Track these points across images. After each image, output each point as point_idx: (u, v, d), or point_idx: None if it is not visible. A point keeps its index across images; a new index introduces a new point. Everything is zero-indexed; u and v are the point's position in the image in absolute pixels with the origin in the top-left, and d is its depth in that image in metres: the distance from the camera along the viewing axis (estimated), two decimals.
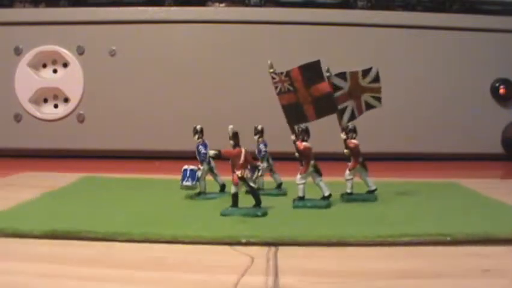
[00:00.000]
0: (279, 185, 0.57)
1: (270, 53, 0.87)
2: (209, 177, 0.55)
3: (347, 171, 0.51)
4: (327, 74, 0.50)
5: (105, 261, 0.34)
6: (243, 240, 0.36)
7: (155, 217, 0.44)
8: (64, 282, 0.30)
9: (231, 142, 0.45)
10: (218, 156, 0.46)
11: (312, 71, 0.48)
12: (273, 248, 0.36)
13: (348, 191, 0.52)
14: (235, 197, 0.45)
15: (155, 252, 0.35)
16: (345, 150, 0.51)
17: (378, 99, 0.53)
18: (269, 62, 0.48)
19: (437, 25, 0.93)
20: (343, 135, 0.51)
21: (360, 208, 0.48)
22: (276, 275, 0.30)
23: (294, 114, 0.49)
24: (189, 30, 0.91)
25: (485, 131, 0.94)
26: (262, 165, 0.53)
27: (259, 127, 0.55)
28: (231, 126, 0.45)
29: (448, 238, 0.36)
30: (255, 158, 0.52)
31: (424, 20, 0.93)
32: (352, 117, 0.52)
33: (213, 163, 0.54)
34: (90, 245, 0.37)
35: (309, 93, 0.48)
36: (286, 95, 0.48)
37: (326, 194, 0.49)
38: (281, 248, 0.36)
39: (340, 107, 0.51)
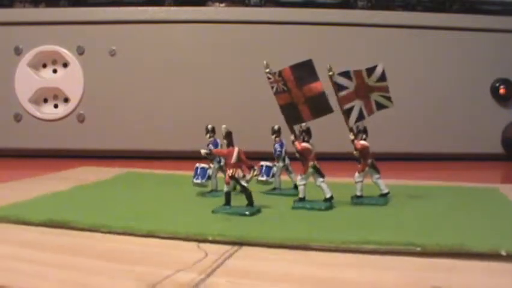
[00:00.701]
0: (296, 185, 0.54)
1: (270, 53, 0.87)
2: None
3: (356, 173, 0.50)
4: (330, 73, 0.50)
5: (72, 250, 0.36)
6: (210, 238, 0.37)
7: (150, 212, 0.46)
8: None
9: (224, 141, 0.46)
10: (209, 155, 0.49)
11: (304, 71, 0.47)
12: (235, 247, 0.36)
13: (358, 193, 0.50)
14: (227, 195, 0.46)
15: (119, 243, 0.37)
16: (355, 152, 0.50)
17: (388, 98, 0.51)
18: (265, 62, 0.48)
19: (437, 25, 0.93)
20: (351, 136, 0.50)
21: (361, 212, 0.46)
22: (209, 274, 0.30)
23: (291, 114, 0.48)
24: (189, 30, 0.92)
25: (485, 131, 0.94)
26: (278, 164, 0.54)
27: (276, 127, 0.54)
28: (223, 126, 0.46)
29: (418, 249, 0.33)
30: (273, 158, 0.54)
31: (424, 20, 0.93)
32: (360, 117, 0.50)
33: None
34: (72, 234, 0.40)
35: (302, 93, 0.47)
36: (282, 95, 0.48)
37: (327, 196, 0.47)
38: (244, 248, 0.36)
39: (346, 106, 0.50)
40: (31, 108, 0.91)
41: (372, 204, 0.48)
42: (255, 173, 0.46)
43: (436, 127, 0.94)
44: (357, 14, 0.93)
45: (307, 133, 0.47)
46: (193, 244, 0.37)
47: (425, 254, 0.33)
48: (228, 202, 0.46)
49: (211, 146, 0.53)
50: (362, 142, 0.49)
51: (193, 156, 0.87)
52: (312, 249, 0.35)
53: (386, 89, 0.51)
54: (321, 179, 0.48)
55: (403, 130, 0.93)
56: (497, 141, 0.94)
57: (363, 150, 0.49)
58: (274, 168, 0.54)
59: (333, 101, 0.48)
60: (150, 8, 0.91)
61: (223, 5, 0.94)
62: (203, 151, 0.48)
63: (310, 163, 0.47)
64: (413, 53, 0.93)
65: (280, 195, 0.54)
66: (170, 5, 0.93)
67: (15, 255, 0.34)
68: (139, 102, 0.92)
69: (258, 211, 0.45)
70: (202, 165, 0.53)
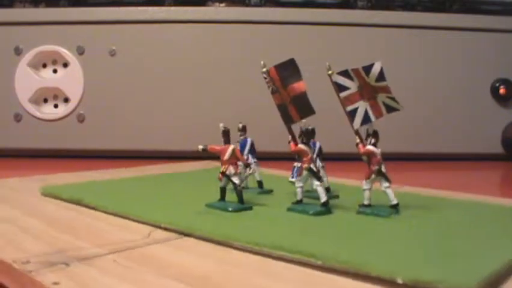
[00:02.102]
0: (327, 189, 0.52)
1: (270, 53, 0.87)
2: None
3: (364, 180, 0.46)
4: (329, 72, 0.49)
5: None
6: (162, 225, 0.40)
7: (150, 201, 0.49)
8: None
9: (223, 139, 0.47)
10: (205, 151, 0.49)
11: (287, 70, 0.47)
12: (175, 235, 0.38)
13: (365, 202, 0.46)
14: (221, 191, 0.47)
15: (91, 218, 0.43)
16: (363, 157, 0.46)
17: (394, 99, 0.47)
18: (262, 62, 0.48)
19: (437, 25, 0.93)
20: (357, 139, 0.47)
21: (347, 221, 0.43)
22: (115, 251, 0.34)
23: (285, 114, 0.48)
24: (189, 30, 0.92)
25: (485, 131, 0.94)
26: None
27: (303, 128, 0.51)
28: (221, 124, 0.48)
29: (319, 262, 0.31)
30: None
31: (424, 20, 0.93)
32: (366, 119, 0.47)
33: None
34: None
35: (287, 93, 0.47)
36: (276, 94, 0.48)
37: (322, 200, 0.45)
38: (185, 239, 0.38)
39: (350, 108, 0.47)
40: (31, 108, 0.91)
41: (374, 214, 0.45)
42: (250, 171, 0.47)
43: (436, 127, 0.94)
44: (357, 14, 0.93)
45: (305, 134, 0.46)
46: (147, 229, 0.39)
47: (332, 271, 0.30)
48: (222, 197, 0.47)
49: (199, 146, 0.53)
50: (368, 147, 0.46)
51: (193, 156, 0.87)
52: (244, 250, 0.35)
53: (388, 90, 0.47)
54: (317, 183, 0.45)
55: (403, 130, 0.93)
56: (497, 141, 0.94)
57: (367, 156, 0.46)
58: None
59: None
60: (150, 8, 0.91)
61: (223, 5, 0.95)
62: (200, 147, 0.48)
63: (305, 165, 0.46)
64: (413, 53, 0.93)
65: (307, 198, 0.51)
66: (170, 5, 0.93)
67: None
68: (139, 102, 0.92)
69: (246, 209, 0.46)
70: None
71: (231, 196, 0.47)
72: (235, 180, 0.46)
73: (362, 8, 0.94)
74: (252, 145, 0.55)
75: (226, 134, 0.47)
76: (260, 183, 0.55)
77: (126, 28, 0.91)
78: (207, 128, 0.91)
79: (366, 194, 0.46)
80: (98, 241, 0.36)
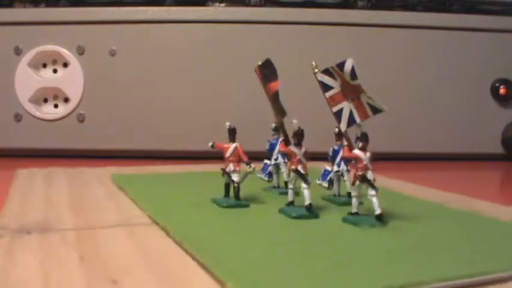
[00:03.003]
0: (349, 193, 0.50)
1: (270, 53, 0.87)
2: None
3: (352, 187, 0.44)
4: (315, 71, 0.47)
5: None
6: (147, 213, 0.44)
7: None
8: None
9: (228, 137, 0.49)
10: (213, 147, 0.50)
11: (267, 69, 0.48)
12: (151, 224, 0.42)
13: (352, 210, 0.43)
14: (225, 187, 0.49)
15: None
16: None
17: (372, 99, 0.43)
18: (260, 63, 0.49)
19: (437, 25, 0.93)
20: (344, 142, 0.46)
21: (323, 229, 0.41)
22: (47, 231, 0.39)
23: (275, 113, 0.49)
24: (189, 30, 0.92)
25: (485, 131, 0.94)
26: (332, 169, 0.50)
27: (336, 130, 0.50)
28: (227, 123, 0.49)
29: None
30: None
31: (424, 20, 0.93)
32: (352, 121, 0.44)
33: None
34: None
35: (267, 92, 0.48)
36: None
37: (306, 203, 0.44)
38: (155, 227, 0.41)
39: (335, 109, 0.45)
40: (31, 108, 0.91)
41: (355, 224, 0.42)
42: (250, 170, 0.48)
43: (436, 127, 0.94)
44: (357, 14, 0.93)
45: (295, 135, 0.45)
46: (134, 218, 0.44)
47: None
48: (225, 193, 0.49)
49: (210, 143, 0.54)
50: (356, 151, 0.43)
51: (193, 156, 0.87)
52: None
53: (361, 89, 0.43)
54: (304, 185, 0.44)
55: (403, 130, 0.93)
56: (497, 141, 0.94)
57: (352, 160, 0.43)
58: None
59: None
60: (150, 8, 0.91)
61: (223, 5, 0.95)
62: (209, 144, 0.50)
63: (292, 167, 0.45)
64: (413, 53, 0.93)
65: (330, 202, 0.50)
66: (170, 5, 0.93)
67: None
68: (139, 102, 0.92)
69: (241, 206, 0.48)
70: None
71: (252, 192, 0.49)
72: (235, 177, 0.48)
73: (362, 8, 0.94)
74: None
75: (231, 132, 0.49)
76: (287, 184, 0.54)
77: (126, 28, 0.91)
78: (207, 128, 0.91)
79: (353, 201, 0.43)
80: (82, 218, 0.43)
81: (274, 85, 0.47)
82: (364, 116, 0.44)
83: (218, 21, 0.91)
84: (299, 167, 0.45)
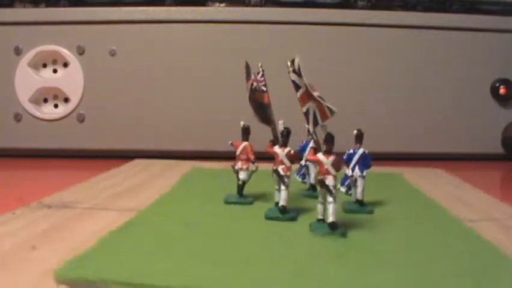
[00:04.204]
0: (358, 200, 0.50)
1: (270, 53, 0.87)
2: None
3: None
4: (290, 69, 0.45)
5: None
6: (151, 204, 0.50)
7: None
8: None
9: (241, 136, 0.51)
10: (232, 146, 0.52)
11: (247, 72, 0.51)
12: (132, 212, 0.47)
13: (318, 216, 0.42)
14: (238, 185, 0.51)
15: None
16: None
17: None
18: (259, 64, 0.49)
19: (437, 25, 0.93)
20: (312, 143, 0.45)
21: (283, 232, 0.41)
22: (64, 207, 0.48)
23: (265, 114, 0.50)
24: (189, 30, 0.92)
25: (485, 131, 0.94)
26: (347, 173, 0.48)
27: (355, 132, 0.49)
28: (241, 122, 0.51)
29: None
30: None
31: (424, 20, 0.93)
32: (316, 122, 0.43)
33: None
34: None
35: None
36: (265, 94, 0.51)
37: (280, 203, 0.43)
38: (125, 215, 0.45)
39: (304, 109, 0.44)
40: (31, 108, 0.91)
41: (313, 230, 0.40)
42: (253, 168, 0.50)
43: (436, 127, 0.94)
44: (357, 14, 0.93)
45: (281, 135, 0.45)
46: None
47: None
48: (238, 191, 0.51)
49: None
50: (318, 155, 0.40)
51: (193, 156, 0.87)
52: None
53: (312, 88, 0.42)
54: (282, 187, 0.44)
55: (403, 130, 0.93)
56: (497, 141, 0.94)
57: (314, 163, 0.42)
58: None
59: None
60: (150, 8, 0.91)
61: (223, 5, 0.95)
62: (229, 142, 0.51)
63: (273, 167, 0.45)
64: (413, 53, 0.93)
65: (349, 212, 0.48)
66: (170, 5, 0.93)
67: None
68: (139, 102, 0.92)
69: (243, 203, 0.50)
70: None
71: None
72: (241, 175, 0.50)
73: (362, 8, 0.94)
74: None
75: (244, 131, 0.50)
76: (313, 187, 0.54)
77: (126, 28, 0.91)
78: (207, 128, 0.91)
79: (318, 207, 0.42)
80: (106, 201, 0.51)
81: (247, 85, 0.49)
82: (325, 117, 0.42)
83: (218, 21, 0.91)
84: (280, 168, 0.45)
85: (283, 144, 0.45)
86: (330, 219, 0.39)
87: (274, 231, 0.41)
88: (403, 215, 0.47)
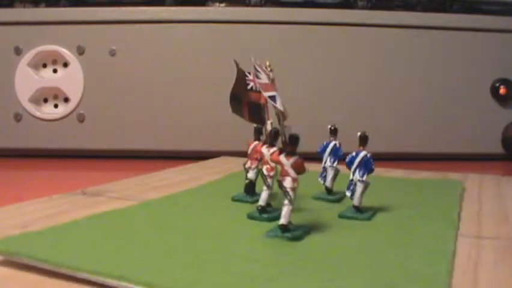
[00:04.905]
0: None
1: (270, 53, 0.87)
2: None
3: None
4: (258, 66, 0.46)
5: None
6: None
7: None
8: None
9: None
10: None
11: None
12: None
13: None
14: (246, 183, 0.52)
15: None
16: None
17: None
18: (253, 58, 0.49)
19: (437, 25, 0.93)
20: (279, 144, 0.44)
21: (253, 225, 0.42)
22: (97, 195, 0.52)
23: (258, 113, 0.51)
24: (189, 30, 0.92)
25: (485, 131, 0.94)
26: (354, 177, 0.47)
27: (359, 134, 0.48)
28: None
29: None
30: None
31: (424, 20, 0.93)
32: (279, 121, 0.42)
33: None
34: None
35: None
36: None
37: (258, 203, 0.43)
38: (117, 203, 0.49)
39: (267, 94, 0.43)
40: (31, 108, 0.91)
41: (266, 232, 0.40)
42: (259, 166, 0.49)
43: (436, 127, 0.94)
44: (357, 14, 0.93)
45: (268, 136, 0.45)
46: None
47: None
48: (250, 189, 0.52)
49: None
50: (280, 156, 0.40)
51: (193, 156, 0.87)
52: None
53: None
54: (264, 187, 0.43)
55: (403, 130, 0.93)
56: (497, 141, 0.94)
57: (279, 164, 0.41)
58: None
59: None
60: (150, 8, 0.91)
61: (223, 5, 0.95)
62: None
63: (259, 167, 0.45)
64: (413, 53, 0.93)
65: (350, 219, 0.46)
66: (170, 5, 0.93)
67: None
68: (139, 102, 0.92)
69: (246, 201, 0.50)
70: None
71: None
72: (250, 174, 0.51)
73: (362, 8, 0.94)
74: (335, 148, 0.53)
75: (256, 131, 0.51)
76: (328, 190, 0.53)
77: (126, 28, 0.91)
78: (207, 128, 0.91)
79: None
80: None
81: (261, 96, 0.49)
82: (284, 116, 0.42)
83: (218, 21, 0.91)
84: (264, 168, 0.44)
85: (271, 145, 0.45)
86: (281, 221, 0.39)
87: (239, 230, 0.41)
88: (396, 225, 0.44)
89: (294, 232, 0.39)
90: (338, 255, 0.35)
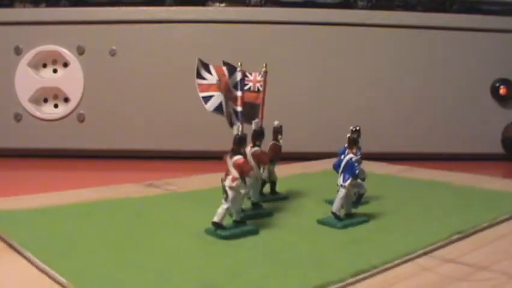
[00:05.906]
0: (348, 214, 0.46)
1: (270, 53, 0.87)
2: None
3: None
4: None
5: None
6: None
7: None
8: None
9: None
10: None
11: None
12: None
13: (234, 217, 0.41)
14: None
15: None
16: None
17: (238, 115, 0.46)
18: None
19: (437, 25, 0.93)
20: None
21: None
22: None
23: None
24: (189, 30, 0.92)
25: (485, 131, 0.94)
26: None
27: (348, 136, 0.45)
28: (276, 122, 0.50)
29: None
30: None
31: (424, 20, 0.93)
32: (220, 109, 0.43)
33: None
34: None
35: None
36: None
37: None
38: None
39: (202, 95, 0.44)
40: (31, 108, 0.91)
41: (241, 234, 0.39)
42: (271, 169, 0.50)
43: (436, 127, 0.94)
44: (357, 14, 0.93)
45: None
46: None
47: None
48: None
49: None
50: (227, 156, 0.40)
51: (193, 156, 0.87)
52: None
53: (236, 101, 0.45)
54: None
55: (403, 130, 0.93)
56: (497, 141, 0.94)
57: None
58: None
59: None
60: (150, 8, 0.91)
61: (223, 5, 0.94)
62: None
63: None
64: (413, 53, 0.93)
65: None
66: (170, 5, 0.93)
67: None
68: (139, 102, 0.92)
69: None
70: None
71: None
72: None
73: (362, 8, 0.94)
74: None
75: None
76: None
77: (126, 28, 0.91)
78: (207, 128, 0.91)
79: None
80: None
81: (257, 96, 0.50)
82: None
83: (218, 21, 0.91)
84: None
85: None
86: (215, 219, 0.39)
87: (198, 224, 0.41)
88: (370, 231, 0.41)
89: (231, 230, 0.39)
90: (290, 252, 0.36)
